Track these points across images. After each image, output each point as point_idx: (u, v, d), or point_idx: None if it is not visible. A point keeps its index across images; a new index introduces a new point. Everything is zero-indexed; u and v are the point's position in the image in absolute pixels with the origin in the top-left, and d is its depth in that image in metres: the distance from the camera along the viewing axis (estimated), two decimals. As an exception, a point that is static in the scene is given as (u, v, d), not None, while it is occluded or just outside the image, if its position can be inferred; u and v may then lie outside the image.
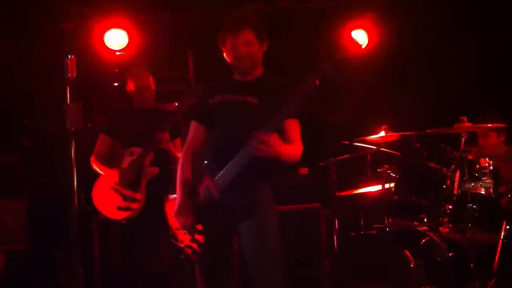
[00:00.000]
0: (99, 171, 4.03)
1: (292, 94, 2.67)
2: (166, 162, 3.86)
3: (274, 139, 2.66)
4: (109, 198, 3.92)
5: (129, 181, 3.86)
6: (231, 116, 2.94)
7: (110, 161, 4.05)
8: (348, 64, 2.62)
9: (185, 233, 2.99)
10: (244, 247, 2.88)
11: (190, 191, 3.00)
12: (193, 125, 3.11)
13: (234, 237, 2.97)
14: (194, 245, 2.96)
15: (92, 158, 4.05)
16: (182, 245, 3.01)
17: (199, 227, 2.94)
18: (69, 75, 3.11)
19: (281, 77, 3.02)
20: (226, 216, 2.86)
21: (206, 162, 2.94)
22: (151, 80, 4.07)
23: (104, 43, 5.34)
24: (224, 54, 3.00)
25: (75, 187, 3.07)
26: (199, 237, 2.94)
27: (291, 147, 2.86)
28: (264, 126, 2.67)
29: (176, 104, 4.00)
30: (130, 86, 4.04)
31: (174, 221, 3.03)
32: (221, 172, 2.83)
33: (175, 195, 3.07)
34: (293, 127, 2.90)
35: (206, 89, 3.14)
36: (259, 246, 2.84)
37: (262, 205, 2.87)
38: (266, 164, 2.77)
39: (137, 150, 3.89)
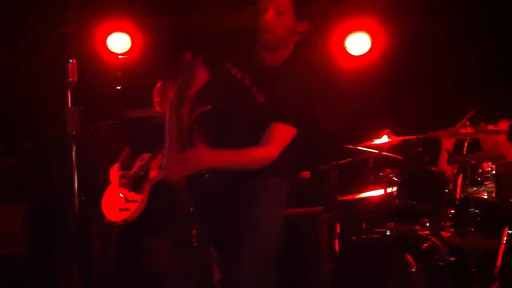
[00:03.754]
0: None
1: None
2: None
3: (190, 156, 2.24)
4: (113, 201, 4.00)
5: (132, 184, 3.92)
6: (233, 106, 2.50)
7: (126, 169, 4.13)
8: None
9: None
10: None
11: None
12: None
13: None
14: None
15: (113, 167, 4.13)
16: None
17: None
18: (70, 79, 3.11)
19: (304, 68, 2.52)
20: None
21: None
22: None
23: (107, 47, 5.35)
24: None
25: (76, 191, 3.07)
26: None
27: (241, 153, 2.38)
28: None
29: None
30: (154, 97, 4.14)
31: None
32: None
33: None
34: (278, 130, 2.43)
35: (223, 52, 2.55)
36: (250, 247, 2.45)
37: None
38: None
39: (147, 156, 3.96)
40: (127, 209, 3.89)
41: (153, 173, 3.93)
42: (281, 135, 2.44)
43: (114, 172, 4.06)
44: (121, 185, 3.96)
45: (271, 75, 2.48)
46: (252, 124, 2.44)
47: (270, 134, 2.42)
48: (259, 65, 2.49)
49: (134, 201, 3.90)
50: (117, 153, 4.24)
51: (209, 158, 2.32)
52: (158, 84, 4.21)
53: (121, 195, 3.97)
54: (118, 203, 3.96)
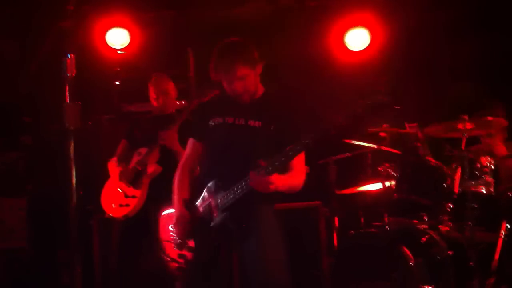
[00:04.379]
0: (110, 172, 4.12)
1: (304, 142, 2.61)
2: (171, 162, 3.87)
3: (274, 180, 2.67)
4: (113, 197, 4.01)
5: (131, 179, 3.92)
6: (233, 140, 2.91)
7: (124, 163, 4.12)
8: (384, 110, 2.52)
9: (174, 247, 2.98)
10: (248, 269, 2.85)
11: (187, 205, 2.99)
12: (191, 141, 3.12)
13: (234, 256, 2.95)
14: (181, 261, 2.95)
15: (111, 161, 4.14)
16: (168, 258, 3.01)
17: (191, 243, 2.94)
18: (68, 74, 3.12)
19: (282, 98, 3.01)
20: (223, 236, 2.86)
21: (212, 181, 2.91)
22: (171, 85, 4.16)
23: (106, 42, 5.36)
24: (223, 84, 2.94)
25: (74, 185, 3.08)
26: (188, 254, 2.94)
27: (292, 180, 2.86)
28: (268, 165, 2.65)
29: (183, 102, 4.05)
30: (150, 92, 4.15)
31: (164, 234, 3.05)
32: (223, 193, 2.84)
33: (170, 210, 3.08)
34: (300, 156, 2.79)
35: (205, 108, 3.11)
36: (261, 268, 2.81)
37: (263, 226, 2.85)
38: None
39: (144, 150, 3.96)
40: (127, 205, 3.90)
41: (151, 168, 3.93)
42: (302, 158, 2.90)
43: (113, 167, 4.06)
44: (120, 179, 3.97)
45: (255, 105, 2.95)
46: (258, 148, 2.81)
47: (297, 161, 2.82)
48: (242, 106, 2.95)
49: (133, 197, 3.90)
50: (116, 147, 4.24)
51: (282, 183, 2.77)
52: (152, 78, 4.19)
53: (120, 190, 3.97)
54: (118, 198, 3.97)
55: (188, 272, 2.94)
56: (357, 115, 2.51)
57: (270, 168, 2.64)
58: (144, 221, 3.87)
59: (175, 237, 2.97)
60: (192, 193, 3.01)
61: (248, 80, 2.88)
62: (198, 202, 2.96)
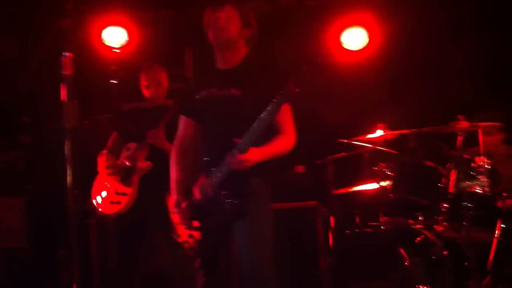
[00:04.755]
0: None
1: (272, 104, 2.67)
2: (161, 159, 3.86)
3: (248, 157, 2.69)
4: (102, 192, 3.95)
5: (121, 175, 3.88)
6: (220, 112, 2.93)
7: (114, 156, 4.06)
8: (327, 70, 2.61)
9: (183, 227, 3.01)
10: (237, 245, 2.88)
11: (185, 188, 3.01)
12: (182, 119, 3.12)
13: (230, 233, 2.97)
14: (191, 241, 2.97)
15: (100, 154, 4.05)
16: (180, 240, 3.03)
17: (196, 223, 2.95)
18: (65, 72, 3.12)
19: (263, 59, 3.00)
20: (220, 213, 2.86)
21: (204, 159, 2.95)
22: (164, 76, 4.11)
23: (103, 41, 5.36)
24: (209, 36, 2.96)
25: (70, 185, 3.09)
26: (195, 233, 2.95)
27: (275, 146, 2.84)
28: (242, 142, 2.68)
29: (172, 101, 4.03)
30: (142, 81, 4.09)
31: (174, 216, 3.06)
32: (215, 170, 2.85)
33: None
34: (283, 115, 2.85)
35: (191, 83, 3.15)
36: (251, 245, 2.82)
37: (256, 202, 2.85)
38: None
39: (132, 145, 3.92)
40: (118, 202, 3.85)
41: (141, 165, 3.90)
42: (288, 117, 2.88)
43: (102, 162, 3.97)
44: (109, 175, 3.91)
45: (237, 72, 2.94)
46: (240, 115, 2.79)
47: (280, 123, 2.84)
48: (225, 74, 2.96)
49: (124, 194, 3.85)
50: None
51: (260, 155, 2.76)
52: (146, 65, 4.15)
53: (108, 185, 3.92)
54: (109, 195, 3.91)
55: (199, 251, 2.96)
56: (306, 80, 2.61)
57: (243, 145, 2.69)
58: (143, 219, 3.87)
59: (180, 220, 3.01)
60: (192, 171, 3.02)
61: (232, 25, 2.91)
62: (195, 182, 2.96)
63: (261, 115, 2.68)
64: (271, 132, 2.84)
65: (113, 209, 3.87)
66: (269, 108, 2.67)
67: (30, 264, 5.41)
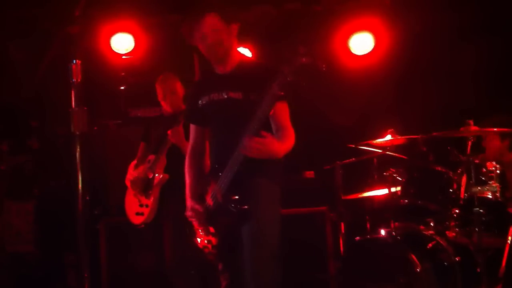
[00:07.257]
0: None
1: (262, 101, 2.64)
2: (178, 168, 3.89)
3: (263, 139, 2.63)
4: (131, 204, 4.12)
5: (142, 188, 3.97)
6: (222, 116, 2.93)
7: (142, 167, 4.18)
8: (310, 70, 2.54)
9: (201, 233, 3.01)
10: (243, 247, 2.86)
11: (199, 193, 3.02)
12: (191, 127, 3.14)
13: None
14: (209, 246, 2.98)
15: (131, 164, 4.21)
16: (200, 246, 3.03)
17: (211, 229, 2.96)
18: (74, 79, 3.13)
19: (258, 63, 3.02)
20: (230, 218, 2.86)
21: (212, 165, 2.97)
22: (179, 85, 4.18)
23: (111, 47, 5.38)
24: (199, 47, 2.92)
25: (80, 190, 3.10)
26: (212, 239, 2.96)
27: (281, 142, 2.78)
28: (248, 130, 2.65)
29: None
30: (158, 94, 4.18)
31: (192, 221, 3.06)
32: (222, 175, 2.84)
33: None
34: (280, 113, 2.83)
35: (193, 90, 3.13)
36: (253, 249, 2.81)
37: (261, 204, 2.84)
38: (260, 162, 2.74)
39: (152, 158, 4.02)
40: (142, 214, 4.01)
41: (158, 177, 3.97)
42: (283, 115, 2.85)
43: (130, 171, 4.14)
44: (132, 187, 4.07)
45: (234, 76, 2.91)
46: (242, 117, 2.73)
47: (277, 122, 2.82)
48: (222, 78, 2.94)
49: (146, 206, 4.00)
50: (122, 152, 4.27)
51: (271, 141, 2.68)
52: (159, 78, 4.20)
53: (135, 197, 4.08)
54: (135, 206, 4.06)
55: (218, 255, 2.98)
56: (289, 82, 2.56)
57: (253, 129, 2.64)
58: (156, 226, 3.94)
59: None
60: (204, 177, 3.03)
61: (221, 34, 2.83)
62: (207, 189, 2.98)
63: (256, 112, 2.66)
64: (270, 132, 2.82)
65: (139, 220, 3.99)
66: (261, 105, 2.64)
67: (39, 268, 5.42)
